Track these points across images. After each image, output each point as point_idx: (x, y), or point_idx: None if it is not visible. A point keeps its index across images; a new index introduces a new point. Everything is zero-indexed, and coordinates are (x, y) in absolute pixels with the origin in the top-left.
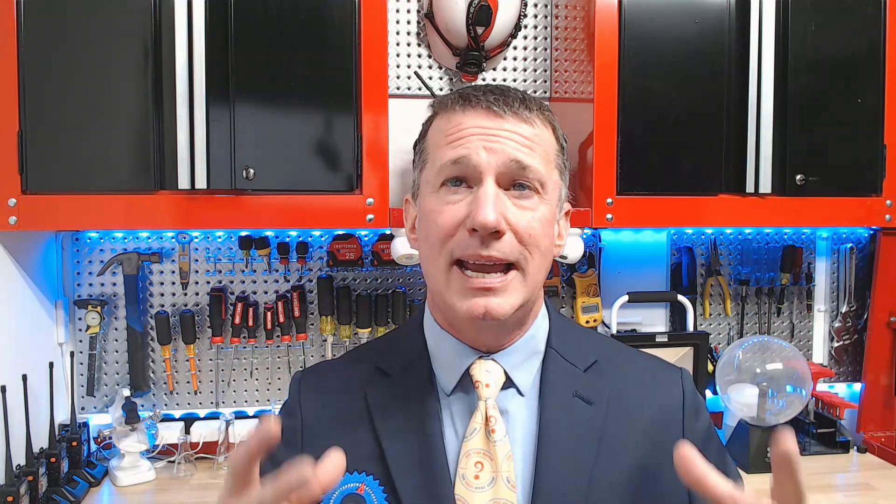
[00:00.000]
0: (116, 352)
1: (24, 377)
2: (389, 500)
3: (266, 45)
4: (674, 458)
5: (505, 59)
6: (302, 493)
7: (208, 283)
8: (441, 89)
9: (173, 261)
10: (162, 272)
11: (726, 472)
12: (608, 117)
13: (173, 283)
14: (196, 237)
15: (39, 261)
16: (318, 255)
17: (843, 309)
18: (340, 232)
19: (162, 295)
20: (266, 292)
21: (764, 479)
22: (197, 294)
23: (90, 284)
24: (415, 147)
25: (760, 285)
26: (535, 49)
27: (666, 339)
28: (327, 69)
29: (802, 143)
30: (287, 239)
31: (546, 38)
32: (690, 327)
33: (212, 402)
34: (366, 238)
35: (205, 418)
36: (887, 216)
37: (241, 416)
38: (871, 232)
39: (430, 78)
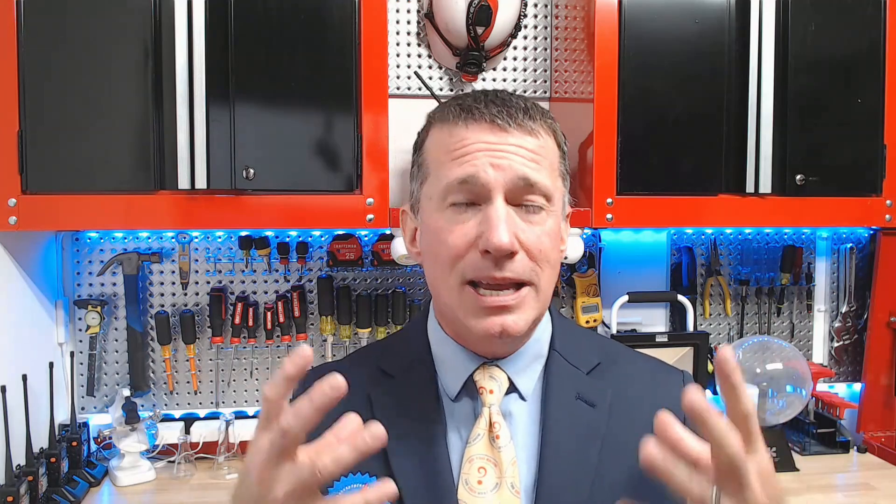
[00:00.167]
0: (116, 352)
1: (24, 377)
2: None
3: (266, 45)
4: (654, 425)
5: (505, 59)
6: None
7: (208, 283)
8: (441, 89)
9: (173, 261)
10: (162, 272)
11: None
12: (608, 117)
13: (173, 283)
14: (196, 237)
15: (39, 261)
16: (318, 255)
17: (843, 309)
18: (340, 232)
19: (162, 295)
20: (266, 292)
21: None
22: (197, 294)
23: (90, 284)
24: (412, 158)
25: (760, 285)
26: (535, 49)
27: (666, 339)
28: (327, 69)
29: (802, 143)
30: (287, 239)
31: (546, 38)
32: (690, 327)
33: (212, 402)
34: (366, 238)
35: (205, 418)
36: (887, 216)
37: (241, 416)
38: (871, 232)
39: (430, 78)
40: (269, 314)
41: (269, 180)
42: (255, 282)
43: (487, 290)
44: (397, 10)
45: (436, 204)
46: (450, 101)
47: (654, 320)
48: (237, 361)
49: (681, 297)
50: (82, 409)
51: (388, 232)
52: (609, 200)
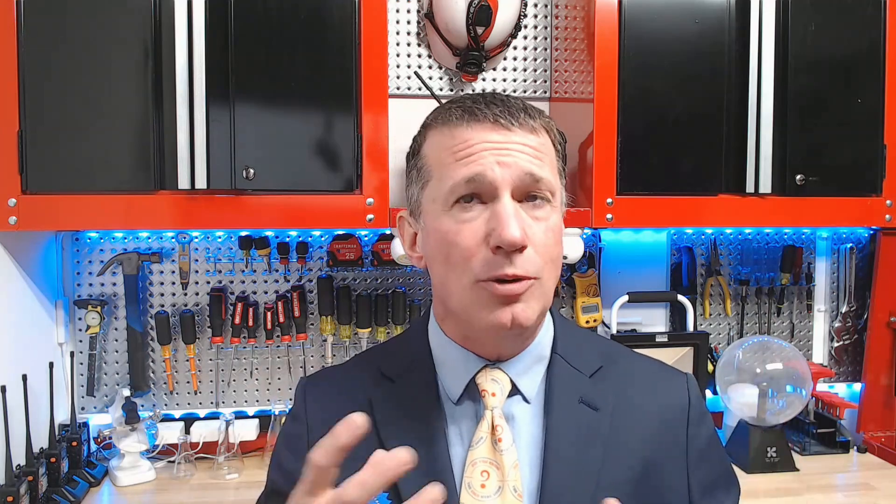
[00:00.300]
0: (116, 352)
1: (24, 377)
2: None
3: (266, 45)
4: None
5: (505, 59)
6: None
7: (208, 283)
8: (441, 89)
9: (173, 261)
10: (162, 272)
11: (725, 481)
12: (608, 117)
13: (173, 283)
14: (196, 237)
15: (39, 261)
16: (318, 255)
17: (843, 309)
18: (340, 232)
19: (162, 295)
20: (266, 292)
21: (764, 480)
22: (197, 294)
23: (90, 284)
24: (408, 163)
25: (760, 285)
26: (535, 49)
27: (666, 340)
28: (327, 69)
29: (802, 143)
30: (287, 239)
31: (546, 38)
32: (690, 327)
33: (212, 402)
34: (366, 238)
35: (205, 418)
36: (887, 216)
37: (241, 416)
38: (871, 232)
39: (430, 78)
40: (269, 314)
41: (269, 180)
42: (255, 282)
43: (499, 283)
44: (397, 10)
45: (441, 206)
46: (446, 104)
47: (654, 320)
48: (237, 361)
49: (681, 297)
50: (82, 409)
51: (388, 232)
52: (609, 200)
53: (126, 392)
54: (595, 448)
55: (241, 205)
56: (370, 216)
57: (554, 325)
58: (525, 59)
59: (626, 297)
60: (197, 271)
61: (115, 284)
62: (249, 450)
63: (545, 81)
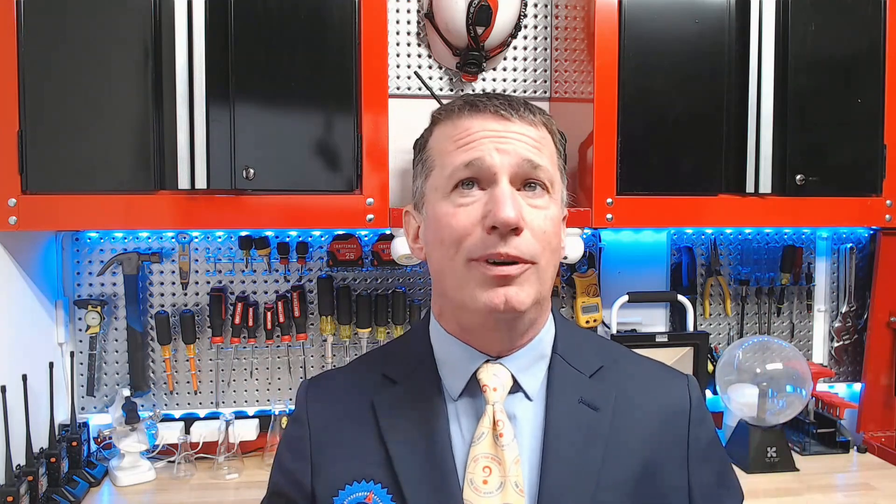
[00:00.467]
0: (116, 352)
1: (24, 377)
2: None
3: (266, 45)
4: None
5: (505, 59)
6: None
7: (208, 283)
8: (441, 89)
9: (173, 261)
10: (162, 272)
11: (726, 482)
12: (608, 117)
13: (173, 283)
14: (196, 237)
15: (39, 261)
16: (318, 255)
17: (843, 309)
18: (340, 232)
19: (162, 295)
20: (266, 292)
21: (764, 480)
22: (197, 294)
23: (90, 284)
24: (415, 158)
25: (760, 285)
26: (535, 49)
27: (666, 340)
28: (327, 69)
29: (802, 143)
30: (287, 239)
31: (546, 38)
32: (690, 327)
33: (212, 402)
34: (366, 238)
35: (205, 418)
36: (887, 216)
37: (241, 416)
38: (871, 232)
39: (430, 78)
40: (269, 314)
41: (269, 180)
42: (255, 282)
43: (492, 264)
44: (397, 10)
45: (441, 192)
46: (452, 100)
47: (654, 320)
48: (237, 361)
49: (681, 297)
50: (82, 409)
51: (388, 232)
52: (609, 200)
53: (126, 392)
54: (595, 448)
55: (241, 205)
56: (370, 216)
57: (555, 324)
58: (525, 59)
59: (626, 297)
60: (197, 271)
61: (115, 284)
62: (249, 450)
63: (545, 81)
